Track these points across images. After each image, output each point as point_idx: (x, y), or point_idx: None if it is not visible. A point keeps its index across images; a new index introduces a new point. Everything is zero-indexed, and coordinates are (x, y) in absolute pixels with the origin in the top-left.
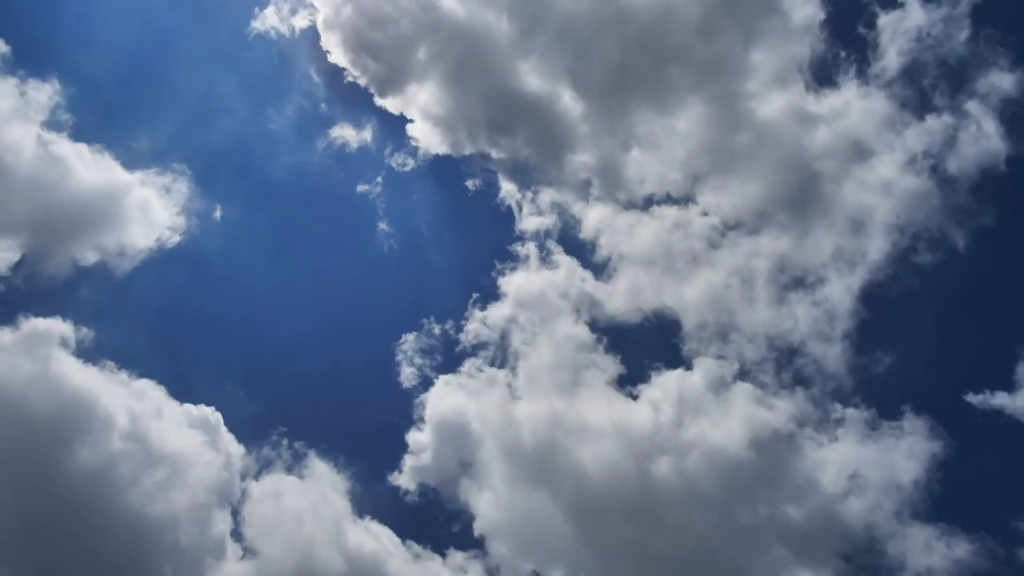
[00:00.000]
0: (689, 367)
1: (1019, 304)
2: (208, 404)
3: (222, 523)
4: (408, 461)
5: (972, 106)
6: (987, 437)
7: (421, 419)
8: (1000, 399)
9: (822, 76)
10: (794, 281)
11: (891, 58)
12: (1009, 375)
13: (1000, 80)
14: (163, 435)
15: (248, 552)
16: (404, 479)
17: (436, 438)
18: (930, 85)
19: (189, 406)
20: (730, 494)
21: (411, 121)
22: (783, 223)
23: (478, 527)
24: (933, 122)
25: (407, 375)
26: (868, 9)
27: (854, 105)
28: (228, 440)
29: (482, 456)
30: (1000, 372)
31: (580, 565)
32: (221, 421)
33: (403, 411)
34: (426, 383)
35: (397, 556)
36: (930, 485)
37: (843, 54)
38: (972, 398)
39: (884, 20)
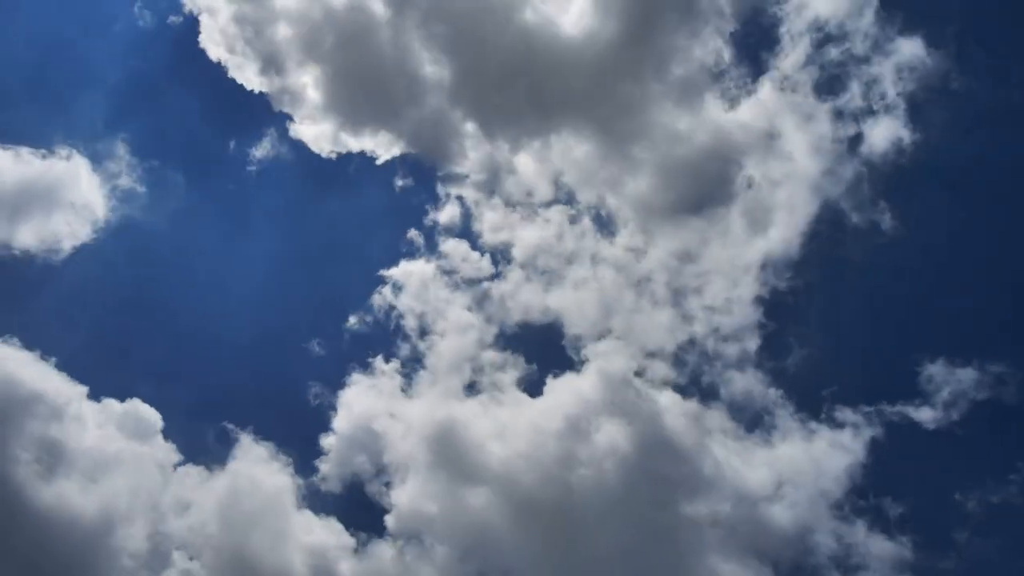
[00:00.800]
0: (584, 366)
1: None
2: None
3: (159, 524)
4: (325, 461)
5: (880, 92)
6: (902, 440)
7: (331, 421)
8: (905, 407)
9: (726, 74)
10: (697, 279)
11: (797, 48)
12: (913, 382)
13: (910, 61)
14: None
15: (191, 553)
16: (329, 473)
17: (348, 438)
18: (840, 72)
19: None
20: (645, 496)
21: (292, 119)
22: (686, 221)
23: (395, 522)
24: (841, 110)
25: (317, 375)
26: None
27: (760, 101)
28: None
29: (395, 454)
30: (908, 379)
31: (507, 554)
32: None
33: (317, 411)
34: (335, 384)
35: (345, 547)
36: (854, 483)
37: (748, 47)
38: (883, 406)
39: (786, 8)
